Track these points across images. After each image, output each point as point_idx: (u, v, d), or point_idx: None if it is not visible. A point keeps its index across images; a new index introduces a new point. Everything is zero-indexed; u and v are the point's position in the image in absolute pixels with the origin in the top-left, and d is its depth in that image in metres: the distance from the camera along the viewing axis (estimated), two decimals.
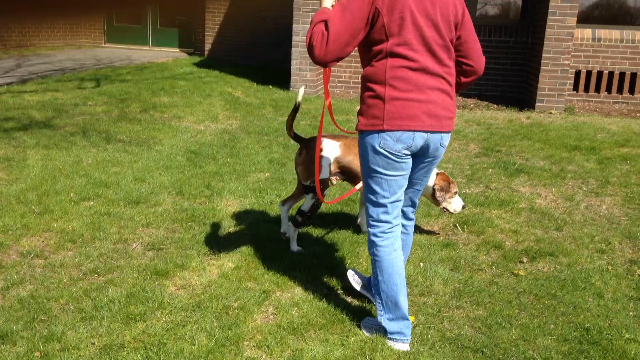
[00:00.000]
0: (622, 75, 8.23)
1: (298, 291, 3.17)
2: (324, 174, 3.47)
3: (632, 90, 8.23)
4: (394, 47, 2.42)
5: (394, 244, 2.65)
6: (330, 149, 3.49)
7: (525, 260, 3.65)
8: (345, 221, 4.13)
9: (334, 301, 3.05)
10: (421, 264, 3.54)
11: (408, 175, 2.62)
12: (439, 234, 3.99)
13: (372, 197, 2.64)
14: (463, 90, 2.71)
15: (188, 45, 12.60)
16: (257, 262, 3.46)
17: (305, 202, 3.53)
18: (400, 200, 2.66)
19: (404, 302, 2.67)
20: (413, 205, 2.85)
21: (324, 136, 3.48)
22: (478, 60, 2.61)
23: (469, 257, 3.65)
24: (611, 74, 8.26)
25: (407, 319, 2.70)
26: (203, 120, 6.76)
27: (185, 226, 3.90)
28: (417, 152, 2.56)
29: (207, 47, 11.74)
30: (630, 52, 8.18)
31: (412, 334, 2.79)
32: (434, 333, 2.84)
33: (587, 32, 8.29)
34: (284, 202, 3.67)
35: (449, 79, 2.51)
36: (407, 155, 2.53)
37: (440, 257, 3.66)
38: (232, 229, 3.92)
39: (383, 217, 2.64)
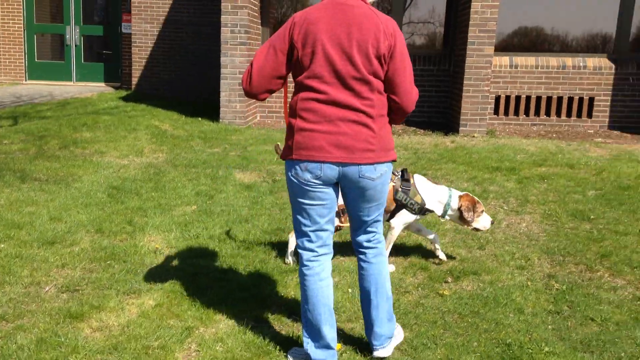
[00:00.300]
0: (538, 98, 8.65)
1: (223, 325, 3.07)
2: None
3: (548, 113, 8.66)
4: (305, 79, 2.48)
5: (320, 274, 2.64)
6: None
7: (450, 280, 3.70)
8: (273, 251, 4.07)
9: (261, 333, 2.98)
10: (350, 290, 3.52)
11: (330, 206, 2.60)
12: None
13: (296, 225, 2.66)
14: (399, 123, 2.67)
15: (114, 80, 12.34)
16: (180, 298, 3.34)
17: None
18: (325, 231, 2.65)
19: (327, 332, 2.65)
20: (366, 233, 2.71)
21: None
22: (404, 97, 2.52)
23: (396, 280, 3.66)
24: (528, 98, 8.68)
25: (332, 349, 2.67)
26: (127, 155, 6.57)
27: (103, 265, 3.73)
28: (341, 183, 2.56)
29: (134, 80, 11.53)
30: (545, 77, 8.63)
31: (341, 359, 2.75)
32: (361, 359, 2.80)
33: (504, 60, 8.70)
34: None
35: (369, 111, 2.46)
36: (320, 184, 2.52)
37: None
38: (154, 265, 3.78)
39: (307, 245, 2.65)
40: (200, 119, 8.66)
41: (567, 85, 8.57)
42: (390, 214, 3.74)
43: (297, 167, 2.51)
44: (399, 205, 3.67)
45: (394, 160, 2.60)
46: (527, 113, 8.71)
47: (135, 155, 6.61)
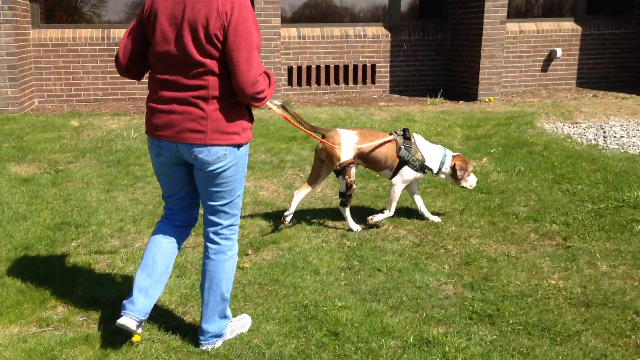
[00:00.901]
0: (327, 68, 9.06)
1: None
2: (348, 157, 3.94)
3: (337, 81, 9.13)
4: (149, 57, 2.52)
5: (165, 231, 2.75)
6: (350, 137, 3.97)
7: (250, 252, 3.72)
8: (58, 247, 3.71)
9: (45, 338, 2.71)
10: None
11: (176, 184, 2.66)
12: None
13: None
14: (252, 105, 2.51)
15: None
16: None
17: (341, 185, 3.99)
18: (178, 205, 2.74)
19: (140, 278, 2.66)
20: (212, 224, 2.63)
21: (343, 128, 4.06)
22: (239, 78, 2.37)
23: (196, 260, 3.58)
24: (318, 67, 9.04)
25: (132, 295, 2.64)
26: None
27: None
28: (191, 163, 2.54)
29: None
30: (331, 47, 9.04)
31: (136, 351, 2.62)
32: (158, 346, 2.69)
33: (292, 31, 8.91)
34: (298, 191, 4.08)
35: (200, 92, 2.41)
36: (164, 161, 2.57)
37: None
38: None
39: (165, 204, 2.80)
40: None
41: (351, 54, 9.09)
42: (393, 172, 4.04)
43: (149, 141, 2.61)
44: (402, 162, 3.99)
45: (238, 145, 2.50)
46: (318, 82, 9.08)
47: None
